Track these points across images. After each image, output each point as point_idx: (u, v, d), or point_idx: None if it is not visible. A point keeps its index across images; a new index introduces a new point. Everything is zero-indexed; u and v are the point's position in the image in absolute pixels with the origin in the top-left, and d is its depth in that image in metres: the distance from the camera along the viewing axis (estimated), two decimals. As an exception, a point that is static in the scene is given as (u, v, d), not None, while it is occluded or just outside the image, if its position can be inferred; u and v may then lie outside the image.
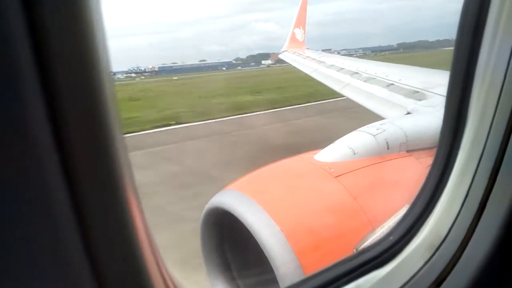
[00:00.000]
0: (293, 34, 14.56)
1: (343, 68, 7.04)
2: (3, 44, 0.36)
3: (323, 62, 8.67)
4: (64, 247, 0.43)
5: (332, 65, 7.76)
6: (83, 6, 0.40)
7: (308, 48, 13.64)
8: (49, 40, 0.38)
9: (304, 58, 10.56)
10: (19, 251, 0.41)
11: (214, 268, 2.40)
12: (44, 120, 0.39)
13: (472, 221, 0.96)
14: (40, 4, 0.37)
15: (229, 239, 2.39)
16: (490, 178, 0.93)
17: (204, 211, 2.32)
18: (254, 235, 1.97)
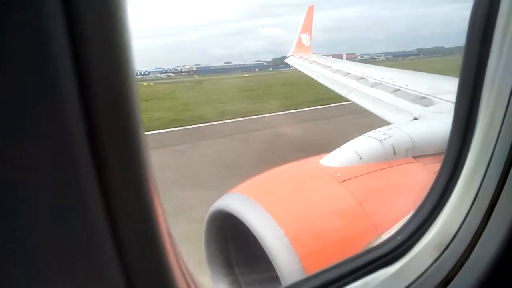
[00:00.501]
0: (299, 39, 14.63)
1: (349, 73, 7.03)
2: (44, 45, 0.37)
3: (329, 67, 8.67)
4: (96, 243, 0.45)
5: (339, 70, 7.75)
6: (115, 8, 0.42)
7: (314, 53, 13.68)
8: (86, 39, 0.40)
9: (310, 63, 10.57)
10: (52, 248, 0.42)
11: (218, 270, 2.39)
12: (79, 118, 0.40)
13: (481, 221, 0.97)
14: (76, 6, 0.39)
15: (233, 242, 2.38)
16: (499, 180, 0.94)
17: (208, 214, 2.32)
18: (258, 238, 1.96)
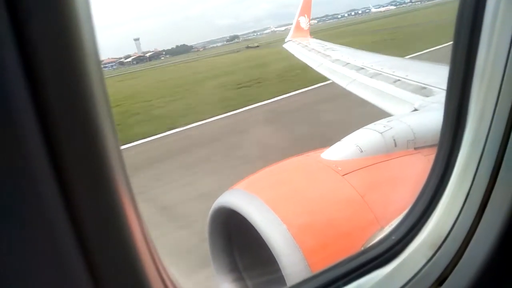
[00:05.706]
0: (298, 22, 14.28)
1: (348, 63, 6.95)
2: None
3: (328, 55, 8.58)
4: (60, 248, 0.44)
5: (337, 60, 7.67)
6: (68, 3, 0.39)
7: (312, 37, 13.40)
8: (34, 38, 0.37)
9: (309, 51, 10.42)
10: (16, 253, 0.41)
11: (222, 267, 2.42)
12: (32, 120, 0.39)
13: (474, 220, 0.97)
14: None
15: (236, 239, 2.40)
16: (491, 177, 0.94)
17: (210, 211, 2.33)
18: (261, 234, 1.97)
